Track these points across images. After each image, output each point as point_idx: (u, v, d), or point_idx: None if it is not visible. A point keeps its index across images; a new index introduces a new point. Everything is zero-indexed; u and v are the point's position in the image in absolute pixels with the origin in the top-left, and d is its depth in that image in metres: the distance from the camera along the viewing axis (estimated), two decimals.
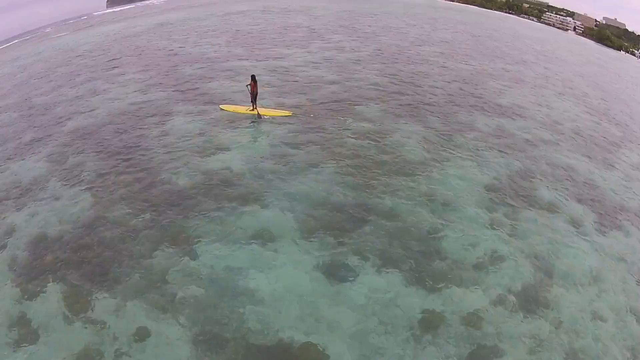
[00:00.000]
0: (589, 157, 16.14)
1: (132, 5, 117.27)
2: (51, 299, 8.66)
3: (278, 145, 14.00)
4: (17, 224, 11.24)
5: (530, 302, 8.32)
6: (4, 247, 10.47)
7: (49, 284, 9.01)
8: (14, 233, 10.95)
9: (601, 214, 12.20)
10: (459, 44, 37.76)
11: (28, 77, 30.63)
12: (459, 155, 13.70)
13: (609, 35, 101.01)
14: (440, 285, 8.29)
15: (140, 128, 16.39)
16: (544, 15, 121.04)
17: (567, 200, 12.46)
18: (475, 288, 8.37)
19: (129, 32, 45.48)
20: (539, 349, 7.38)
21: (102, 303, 8.37)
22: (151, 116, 17.55)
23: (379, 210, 10.19)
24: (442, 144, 14.43)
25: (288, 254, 8.98)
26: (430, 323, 7.48)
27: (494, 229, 10.22)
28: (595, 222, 11.71)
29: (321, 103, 17.67)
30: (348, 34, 36.45)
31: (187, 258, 9.25)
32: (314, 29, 38.50)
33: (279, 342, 7.28)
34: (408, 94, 19.50)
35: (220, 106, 18.45)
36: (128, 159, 13.82)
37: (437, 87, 21.27)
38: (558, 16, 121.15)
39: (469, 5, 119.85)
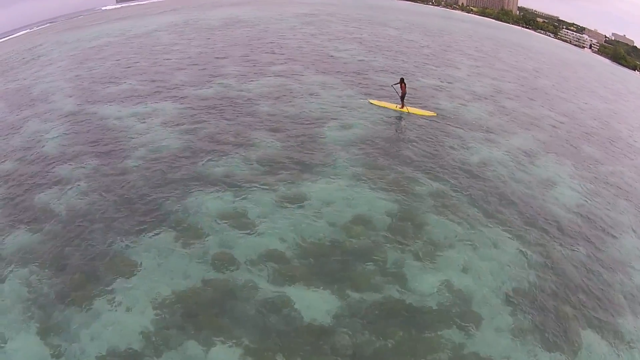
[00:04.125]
0: None
1: (144, 2, 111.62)
2: None
3: (583, 179, 17.53)
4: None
5: None
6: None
7: None
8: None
9: None
10: (546, 73, 43.47)
11: (123, 60, 30.25)
12: None
13: (623, 54, 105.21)
14: None
15: (418, 147, 17.30)
16: (560, 31, 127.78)
17: None
18: None
19: (207, 25, 45.18)
20: None
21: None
22: (423, 128, 19.06)
23: None
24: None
25: None
26: None
27: None
28: None
29: (566, 141, 21.93)
30: (463, 56, 40.91)
31: None
32: (428, 47, 42.86)
33: None
34: (581, 134, 24.17)
35: (370, 100, 20.80)
36: (458, 189, 14.63)
37: (600, 128, 26.29)
38: (574, 33, 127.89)
39: (485, 18, 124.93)
